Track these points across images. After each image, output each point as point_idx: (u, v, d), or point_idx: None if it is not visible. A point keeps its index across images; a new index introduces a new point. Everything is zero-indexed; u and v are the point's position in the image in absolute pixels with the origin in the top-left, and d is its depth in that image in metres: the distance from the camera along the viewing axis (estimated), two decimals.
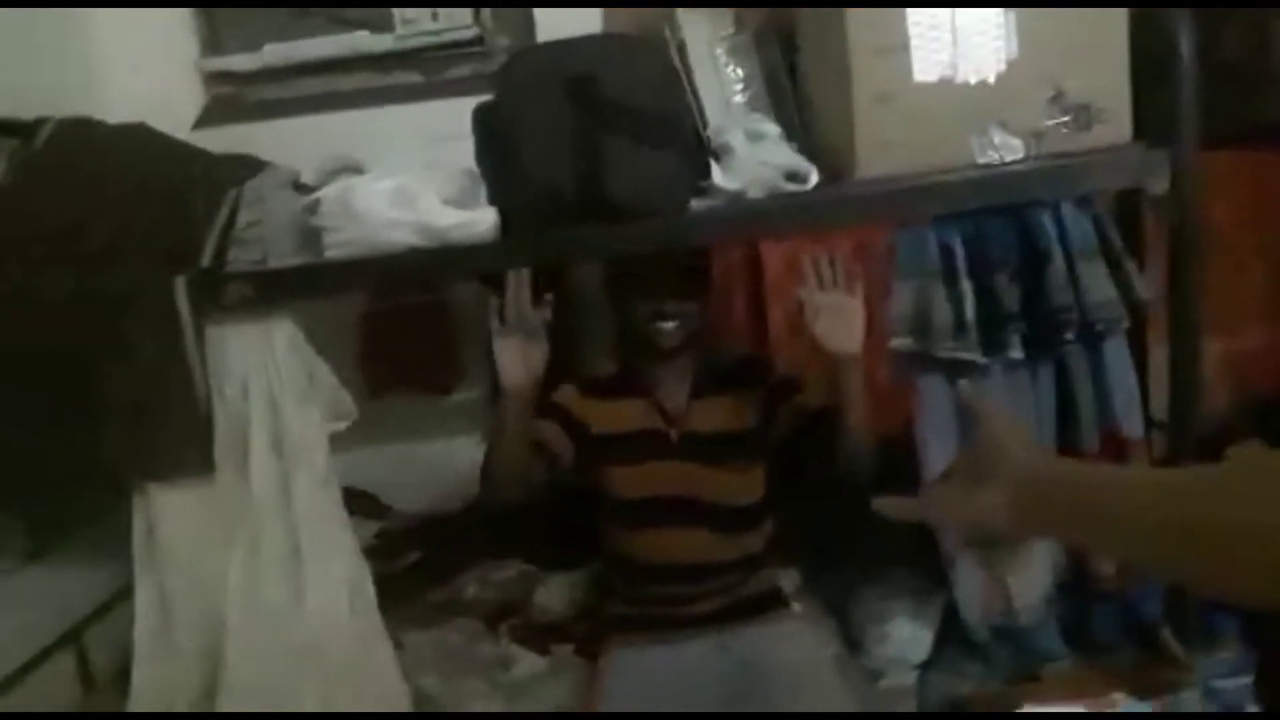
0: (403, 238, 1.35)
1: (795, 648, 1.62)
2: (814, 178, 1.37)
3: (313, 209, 1.45)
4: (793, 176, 1.39)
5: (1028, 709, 1.51)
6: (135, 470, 1.45)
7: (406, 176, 1.40)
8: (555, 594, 1.94)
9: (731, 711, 1.51)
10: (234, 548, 1.48)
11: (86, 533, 1.72)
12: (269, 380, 1.44)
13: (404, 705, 1.58)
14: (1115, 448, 1.44)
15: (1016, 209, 1.36)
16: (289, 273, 1.40)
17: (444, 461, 2.30)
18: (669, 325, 1.62)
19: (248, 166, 1.69)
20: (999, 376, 1.38)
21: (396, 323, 2.20)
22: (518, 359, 1.47)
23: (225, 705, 1.51)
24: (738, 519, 1.69)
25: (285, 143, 1.94)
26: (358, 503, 2.24)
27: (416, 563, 2.10)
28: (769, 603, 1.72)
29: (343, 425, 1.53)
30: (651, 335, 1.63)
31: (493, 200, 1.42)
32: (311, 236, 1.49)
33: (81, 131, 1.70)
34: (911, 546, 1.74)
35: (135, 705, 1.55)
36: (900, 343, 1.39)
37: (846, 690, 1.54)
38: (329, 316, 2.09)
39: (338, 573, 1.49)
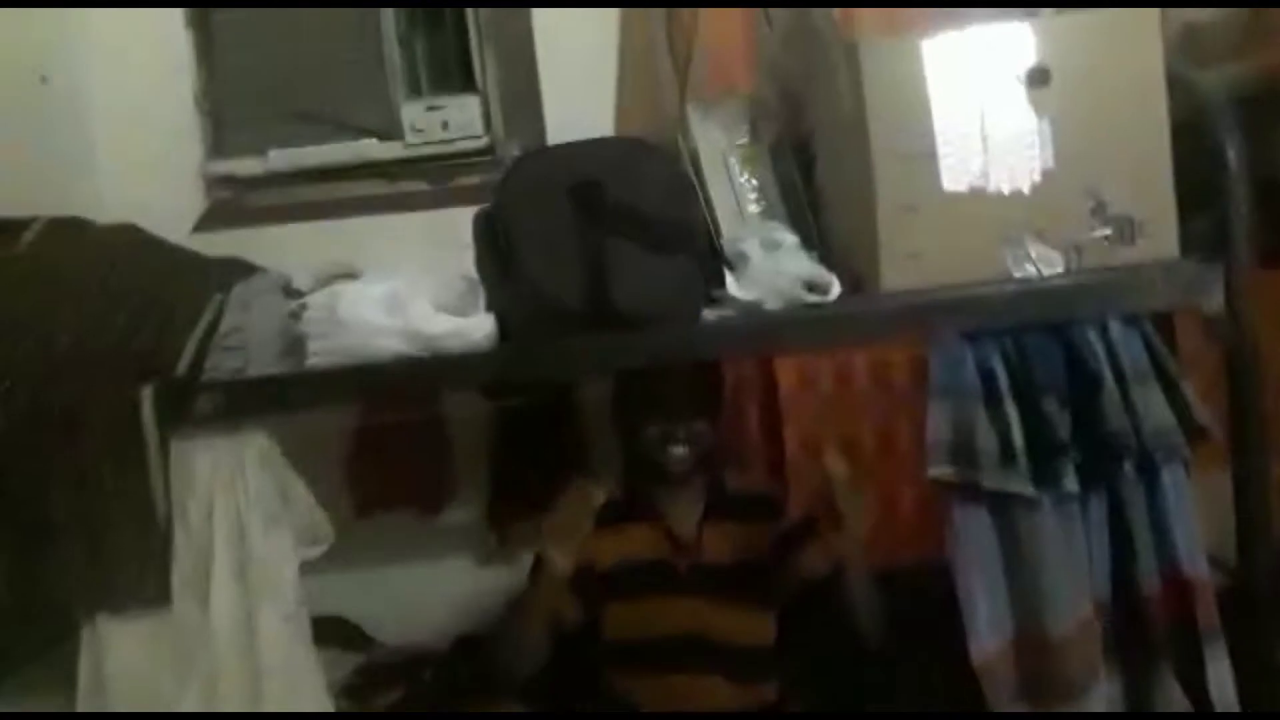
0: (391, 345, 1.24)
1: None
2: (835, 289, 1.27)
3: (298, 314, 1.35)
4: (813, 287, 1.28)
5: None
6: (84, 600, 1.30)
7: (399, 281, 1.30)
8: None
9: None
10: (188, 687, 1.31)
11: (33, 670, 1.55)
12: (237, 500, 1.31)
13: None
14: (1177, 589, 1.28)
15: (1059, 327, 1.24)
16: (264, 382, 1.29)
17: (431, 588, 2.14)
18: (680, 450, 1.50)
19: (238, 271, 1.61)
20: (1049, 512, 1.24)
21: (385, 436, 2.08)
22: (569, 546, 1.38)
23: None
24: (751, 664, 1.53)
25: (286, 249, 1.88)
26: (336, 633, 2.07)
27: (398, 703, 1.91)
28: None
29: (317, 552, 1.39)
30: (661, 459, 1.51)
31: (491, 308, 1.32)
32: (297, 345, 1.38)
33: (69, 232, 1.63)
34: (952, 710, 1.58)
35: None
36: (940, 472, 1.25)
37: None
38: (312, 427, 1.98)
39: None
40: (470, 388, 1.28)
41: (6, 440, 1.29)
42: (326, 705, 1.37)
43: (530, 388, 1.76)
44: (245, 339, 1.41)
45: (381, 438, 2.07)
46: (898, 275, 1.26)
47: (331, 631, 2.06)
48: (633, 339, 1.26)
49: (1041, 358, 1.22)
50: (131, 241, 1.62)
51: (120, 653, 1.32)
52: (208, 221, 2.17)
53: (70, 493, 1.29)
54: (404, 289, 1.28)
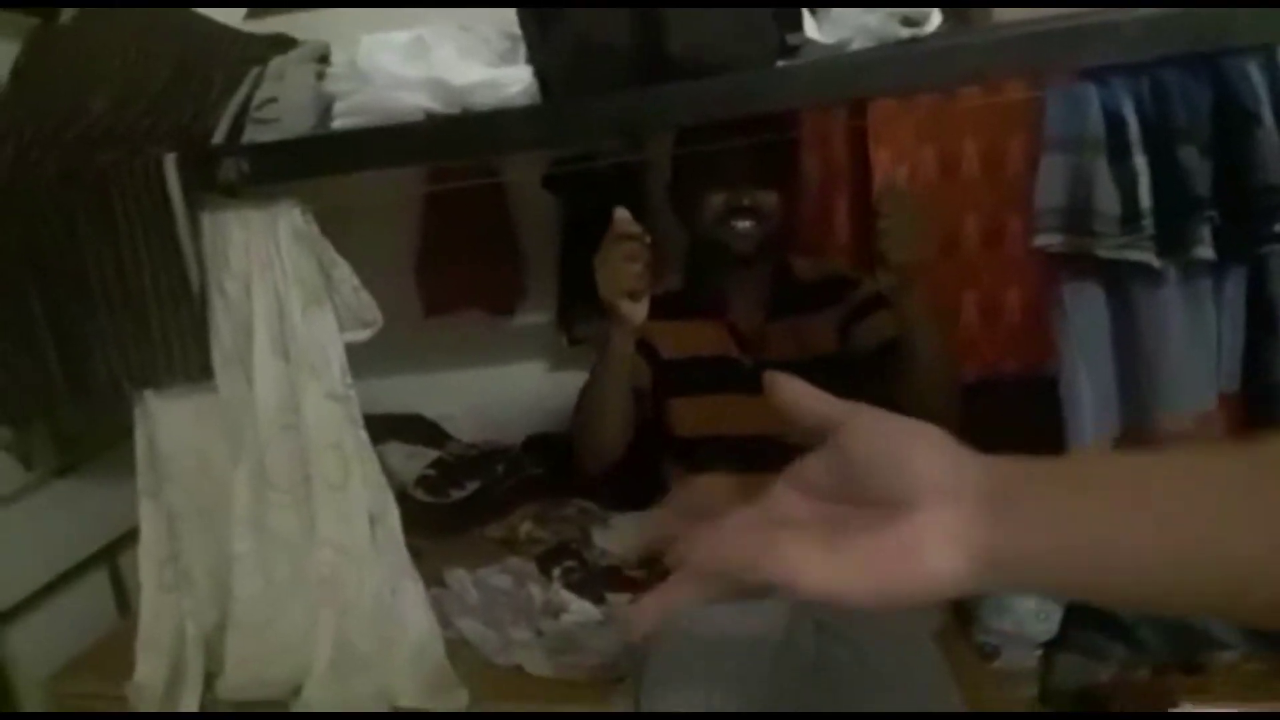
0: (415, 100, 1.12)
1: (890, 617, 1.34)
2: (935, 19, 1.06)
3: (322, 73, 1.23)
4: (909, 22, 1.07)
5: (1187, 708, 1.20)
6: (132, 376, 1.29)
7: (427, 29, 1.15)
8: (616, 536, 1.72)
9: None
10: (239, 463, 1.31)
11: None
12: (274, 275, 1.24)
13: (436, 650, 1.40)
14: None
15: (1208, 59, 1.01)
16: (287, 145, 1.19)
17: (504, 389, 2.10)
18: (745, 224, 1.33)
19: (280, 46, 1.49)
20: (1174, 286, 1.05)
21: (455, 235, 1.99)
22: (630, 285, 1.24)
23: (233, 644, 1.35)
24: None
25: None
26: (414, 429, 2.07)
27: (471, 496, 1.91)
28: None
29: (364, 335, 1.33)
30: (724, 237, 1.35)
31: (531, 63, 1.16)
32: (330, 113, 1.28)
33: (106, 10, 1.54)
34: None
35: (144, 637, 1.42)
36: (1047, 239, 1.07)
37: (950, 672, 1.27)
38: (382, 226, 1.91)
39: (355, 502, 1.30)
40: (508, 151, 1.14)
41: (45, 213, 1.25)
42: (383, 490, 1.34)
43: (586, 170, 1.61)
44: (279, 110, 1.31)
45: (450, 237, 1.99)
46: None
47: (409, 427, 2.07)
48: (690, 90, 1.10)
49: (1183, 97, 1.00)
50: (173, 15, 1.52)
51: (172, 429, 1.32)
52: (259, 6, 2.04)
53: (108, 267, 1.25)
54: (430, 36, 1.13)
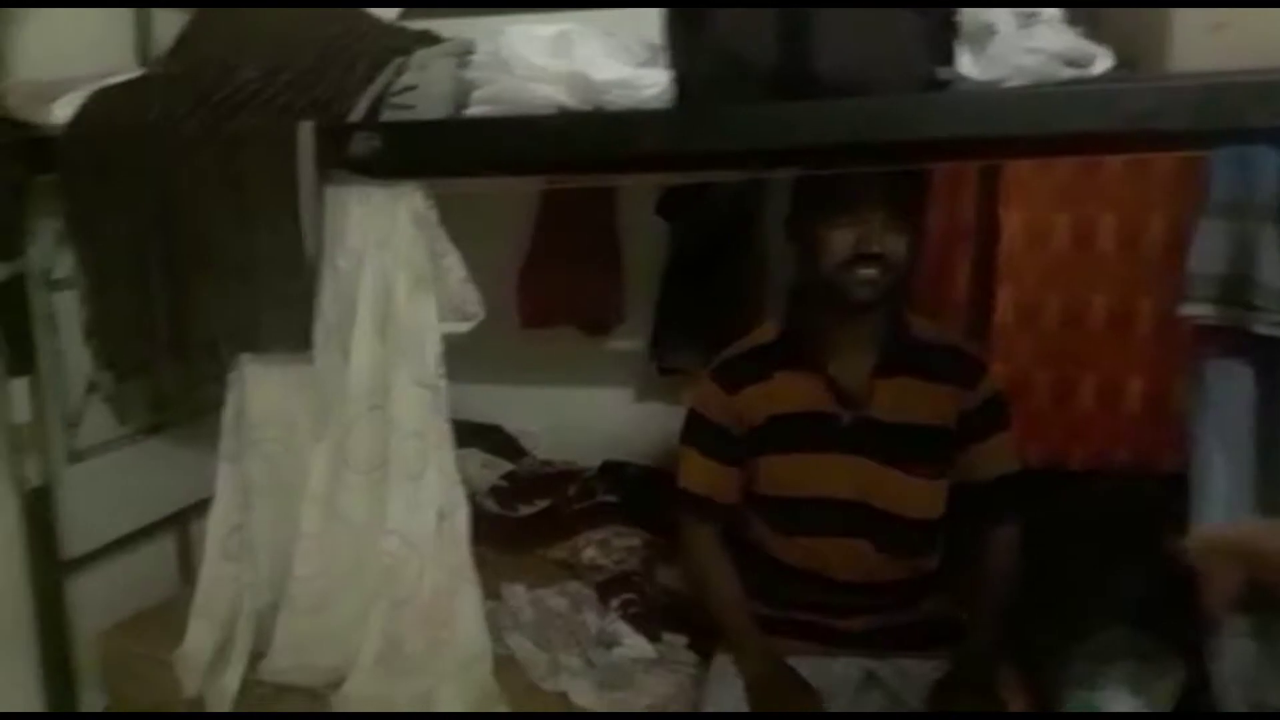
0: (553, 94, 1.10)
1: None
2: (1102, 62, 1.00)
3: (464, 61, 1.23)
4: (1073, 64, 1.02)
5: None
6: (231, 337, 1.29)
7: (572, 26, 1.14)
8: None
9: None
10: (321, 439, 1.29)
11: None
12: (386, 256, 1.24)
13: (484, 663, 1.35)
14: None
15: None
16: (419, 127, 1.19)
17: (587, 411, 2.07)
18: (870, 271, 1.22)
19: (427, 40, 1.52)
20: None
21: (563, 249, 1.98)
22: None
23: (284, 625, 1.33)
24: (911, 536, 1.31)
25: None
26: (493, 439, 2.05)
27: (539, 514, 1.87)
28: (937, 635, 1.33)
29: (463, 327, 1.31)
30: (845, 281, 1.23)
31: (671, 67, 1.14)
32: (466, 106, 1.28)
33: None
34: (1146, 594, 1.33)
35: (199, 604, 1.40)
36: (1197, 309, 0.99)
37: None
38: (494, 229, 1.92)
39: (428, 494, 1.27)
40: (636, 152, 1.10)
41: (178, 169, 1.28)
42: (456, 488, 1.31)
43: (701, 200, 1.57)
44: (417, 97, 1.32)
45: (558, 250, 1.98)
46: (1191, 52, 0.97)
47: (488, 437, 2.05)
48: (831, 109, 1.06)
49: None
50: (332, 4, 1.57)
51: (262, 397, 1.32)
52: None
53: (229, 228, 1.26)
54: (575, 33, 1.12)
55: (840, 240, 1.23)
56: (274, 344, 1.26)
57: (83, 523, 1.53)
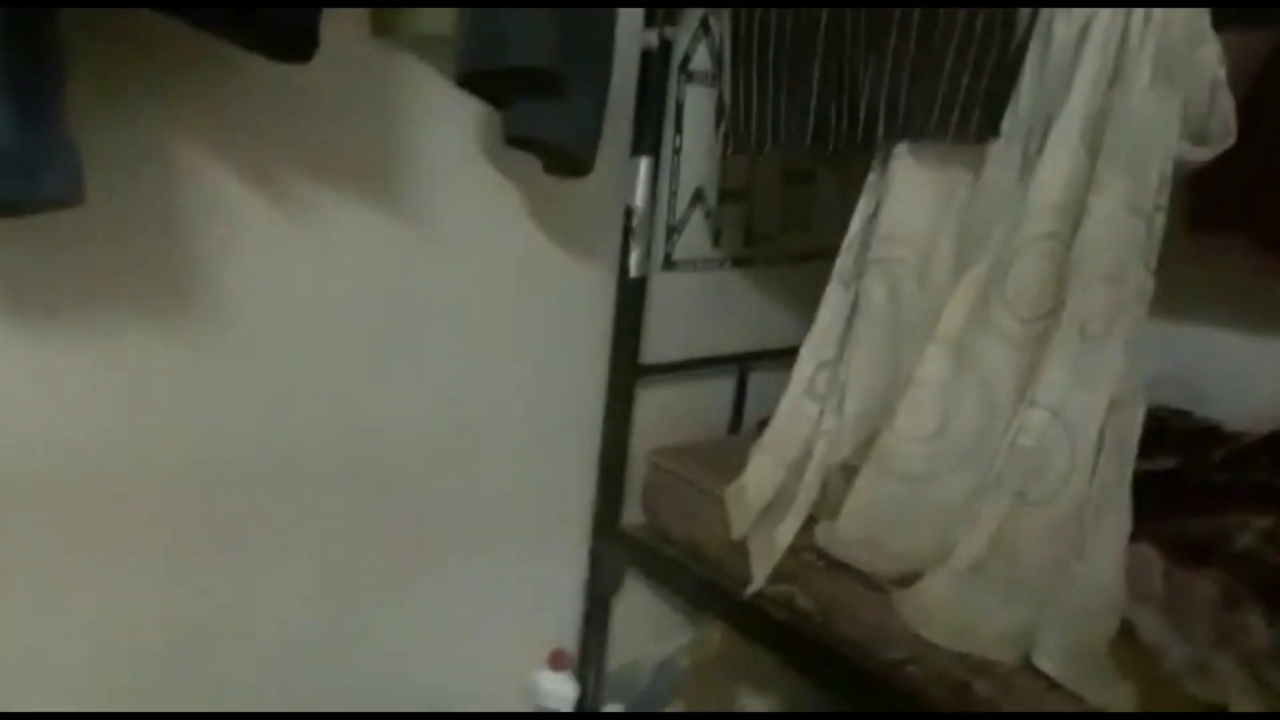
0: None
1: None
2: None
3: None
4: None
5: None
6: (894, 117, 1.03)
7: None
8: None
9: None
10: (970, 271, 1.00)
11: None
12: (1126, 34, 0.89)
13: (1109, 617, 0.98)
14: None
15: None
16: None
17: (1265, 361, 1.53)
18: None
19: None
20: None
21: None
22: None
23: (860, 490, 1.08)
24: None
25: None
26: None
27: (1163, 473, 1.41)
28: None
29: (1206, 154, 0.92)
30: None
31: None
32: None
33: None
34: None
35: (767, 440, 1.22)
36: None
37: None
38: None
39: (1105, 366, 0.92)
40: None
41: None
42: (1137, 367, 0.94)
43: None
44: None
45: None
46: None
47: None
48: None
49: None
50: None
51: (903, 204, 1.06)
52: None
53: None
54: None
55: None
56: (945, 131, 0.99)
57: (658, 333, 1.46)
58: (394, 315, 1.17)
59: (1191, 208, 1.52)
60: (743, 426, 1.61)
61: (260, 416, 1.10)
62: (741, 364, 1.59)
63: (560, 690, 1.45)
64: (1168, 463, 1.44)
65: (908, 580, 1.05)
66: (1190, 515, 1.36)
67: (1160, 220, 0.90)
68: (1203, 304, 1.58)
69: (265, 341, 1.07)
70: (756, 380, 1.60)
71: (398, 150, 1.11)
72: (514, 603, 1.44)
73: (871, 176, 1.09)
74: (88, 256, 0.93)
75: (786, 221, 1.60)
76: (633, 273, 1.34)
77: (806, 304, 1.22)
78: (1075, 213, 0.92)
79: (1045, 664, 0.94)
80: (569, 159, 1.12)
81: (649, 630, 1.60)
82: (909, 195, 1.04)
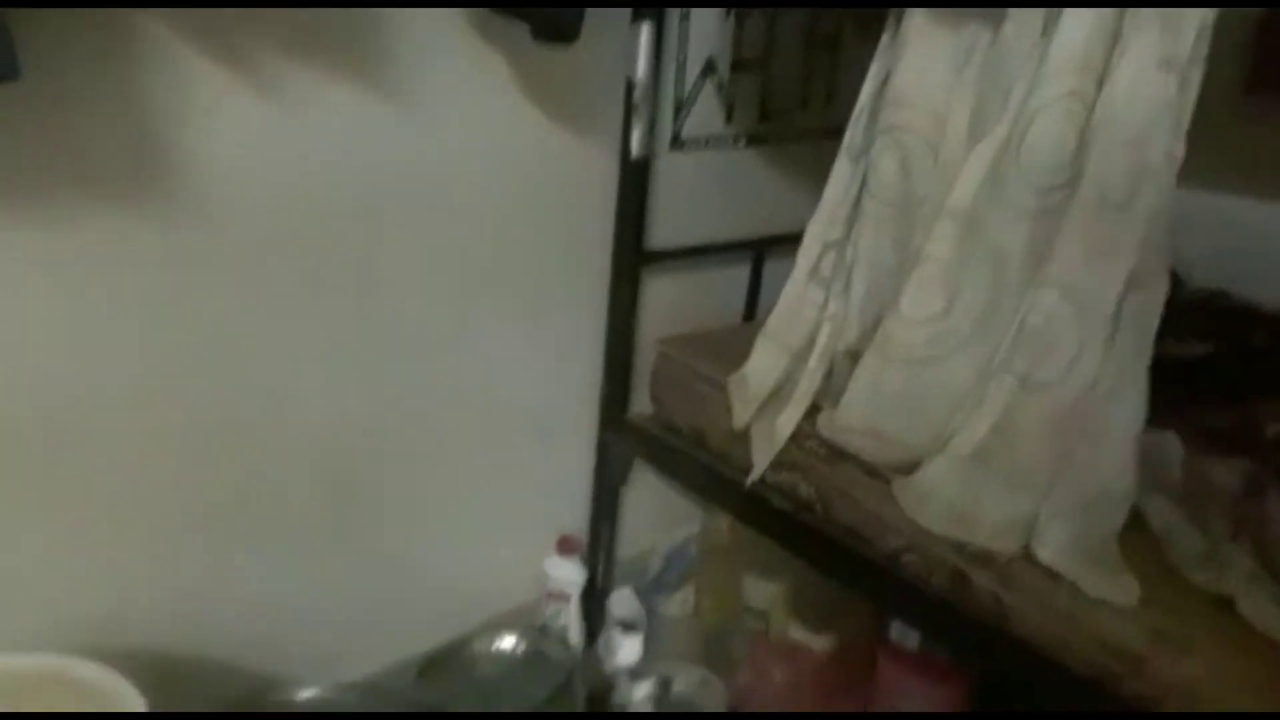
0: None
1: None
2: None
3: None
4: None
5: None
6: None
7: None
8: None
9: None
10: (985, 140, 0.93)
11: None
12: None
13: (1119, 507, 0.95)
14: None
15: None
16: None
17: None
18: None
19: None
20: None
21: None
22: None
23: (862, 376, 1.04)
24: None
25: None
26: None
27: (1197, 360, 1.34)
28: None
29: None
30: None
31: None
32: None
33: None
34: None
35: (771, 328, 1.18)
36: None
37: None
38: None
39: (1125, 233, 0.85)
40: None
41: None
42: (1162, 230, 0.87)
43: None
44: None
45: None
46: None
47: None
48: None
49: None
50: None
51: (915, 69, 0.97)
52: None
53: None
54: None
55: None
56: None
57: (665, 216, 1.40)
58: (379, 197, 1.13)
59: (1252, 65, 1.40)
60: (757, 314, 1.56)
61: (241, 301, 1.07)
62: (756, 250, 1.53)
63: (568, 575, 1.46)
64: (1200, 348, 1.37)
65: (910, 469, 1.01)
66: (1220, 403, 1.30)
67: (1197, 76, 0.81)
68: (1257, 173, 1.47)
69: (246, 225, 1.04)
70: (773, 268, 1.54)
71: (376, 18, 1.05)
72: (524, 492, 1.44)
73: (884, 38, 1.01)
74: (41, 134, 0.88)
75: (807, 94, 1.51)
76: (634, 153, 1.27)
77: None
78: (1100, 69, 0.83)
79: (1043, 553, 0.91)
80: (553, 20, 1.04)
81: (660, 518, 1.59)
82: (923, 56, 0.96)
